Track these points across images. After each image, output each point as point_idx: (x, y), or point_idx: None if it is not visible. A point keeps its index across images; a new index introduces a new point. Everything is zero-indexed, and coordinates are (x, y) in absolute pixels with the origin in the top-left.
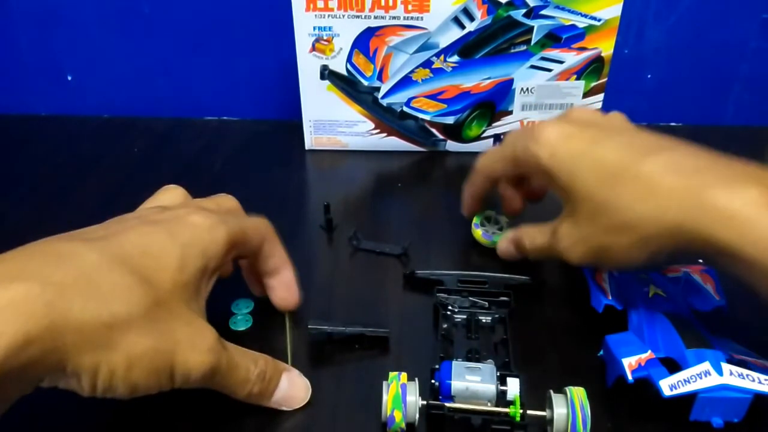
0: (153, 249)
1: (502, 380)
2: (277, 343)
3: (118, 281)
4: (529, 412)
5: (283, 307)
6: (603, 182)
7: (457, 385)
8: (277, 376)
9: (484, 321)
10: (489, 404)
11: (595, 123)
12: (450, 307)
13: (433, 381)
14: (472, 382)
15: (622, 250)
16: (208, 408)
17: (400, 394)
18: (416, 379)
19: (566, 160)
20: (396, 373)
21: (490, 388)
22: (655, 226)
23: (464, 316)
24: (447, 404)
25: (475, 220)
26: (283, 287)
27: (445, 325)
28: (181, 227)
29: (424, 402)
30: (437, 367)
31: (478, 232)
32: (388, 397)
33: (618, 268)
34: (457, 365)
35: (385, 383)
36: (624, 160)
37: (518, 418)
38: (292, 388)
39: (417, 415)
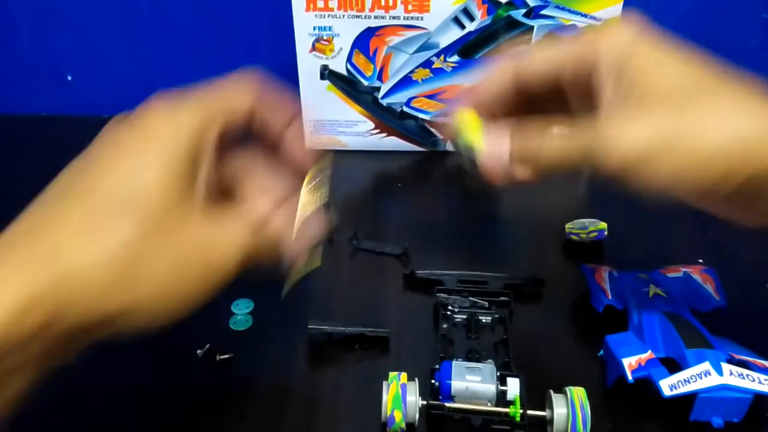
0: (129, 176)
1: (502, 380)
2: (277, 342)
3: (109, 221)
4: (529, 412)
5: (294, 161)
6: (693, 80)
7: (457, 385)
8: (294, 226)
9: (484, 321)
10: (489, 404)
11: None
12: (450, 307)
13: (433, 381)
14: (472, 382)
15: (690, 154)
16: (207, 410)
17: (400, 394)
18: (416, 379)
19: (652, 49)
20: (396, 373)
21: (490, 388)
22: (753, 132)
23: (464, 316)
24: (447, 404)
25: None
26: (290, 141)
27: (445, 325)
28: (145, 134)
29: (424, 402)
30: (437, 367)
31: (475, 126)
32: (388, 397)
33: (658, 186)
34: (457, 365)
35: (385, 383)
36: (712, 71)
37: (518, 418)
38: (310, 229)
39: (417, 415)
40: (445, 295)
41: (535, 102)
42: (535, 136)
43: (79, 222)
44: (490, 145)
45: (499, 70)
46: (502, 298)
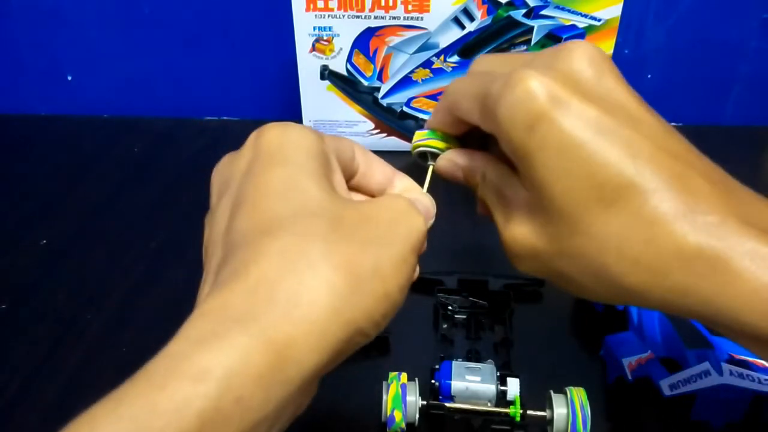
0: (291, 191)
1: (502, 380)
2: None
3: (303, 242)
4: (529, 412)
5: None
6: (595, 200)
7: (457, 385)
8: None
9: (484, 321)
10: (489, 404)
11: (596, 92)
12: (450, 307)
13: (433, 381)
14: (472, 382)
15: (588, 291)
16: None
17: (400, 394)
18: (416, 379)
19: (548, 145)
20: (396, 373)
21: (490, 388)
22: (651, 288)
23: (464, 316)
24: (447, 404)
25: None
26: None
27: (445, 325)
28: (278, 151)
29: (424, 402)
30: (437, 367)
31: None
32: (388, 397)
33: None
34: (457, 365)
35: (385, 383)
36: (629, 177)
37: (518, 418)
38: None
39: (417, 415)
40: (445, 295)
41: None
42: (479, 186)
43: (278, 258)
44: (447, 164)
45: (438, 109)
46: (502, 298)
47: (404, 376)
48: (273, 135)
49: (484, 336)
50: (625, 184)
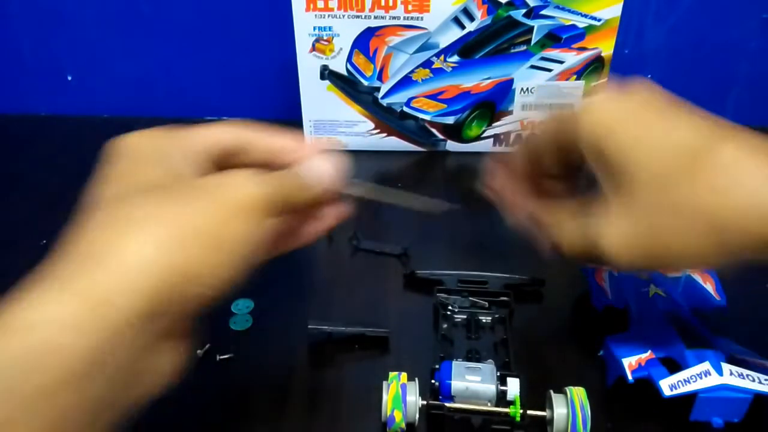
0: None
1: (502, 380)
2: (277, 342)
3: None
4: (529, 412)
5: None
6: (675, 165)
7: (457, 385)
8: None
9: (484, 321)
10: (489, 404)
11: (658, 100)
12: (450, 307)
13: (433, 381)
14: (472, 382)
15: (693, 248)
16: (207, 410)
17: (400, 394)
18: (416, 379)
19: (627, 137)
20: (396, 373)
21: (490, 388)
22: (741, 216)
23: (464, 316)
24: (447, 404)
25: None
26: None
27: (445, 325)
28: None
29: (424, 402)
30: (437, 367)
31: None
32: (388, 397)
33: (684, 269)
34: (457, 365)
35: (385, 383)
36: (701, 140)
37: (518, 418)
38: (323, 166)
39: (417, 415)
40: (445, 295)
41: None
42: (557, 236)
43: (99, 225)
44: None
45: (517, 149)
46: (502, 298)
47: (404, 376)
48: (117, 142)
49: (484, 336)
50: (697, 150)
